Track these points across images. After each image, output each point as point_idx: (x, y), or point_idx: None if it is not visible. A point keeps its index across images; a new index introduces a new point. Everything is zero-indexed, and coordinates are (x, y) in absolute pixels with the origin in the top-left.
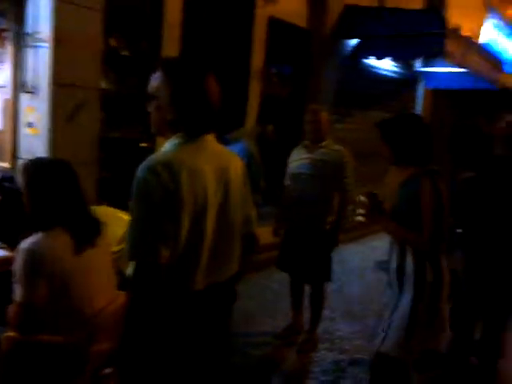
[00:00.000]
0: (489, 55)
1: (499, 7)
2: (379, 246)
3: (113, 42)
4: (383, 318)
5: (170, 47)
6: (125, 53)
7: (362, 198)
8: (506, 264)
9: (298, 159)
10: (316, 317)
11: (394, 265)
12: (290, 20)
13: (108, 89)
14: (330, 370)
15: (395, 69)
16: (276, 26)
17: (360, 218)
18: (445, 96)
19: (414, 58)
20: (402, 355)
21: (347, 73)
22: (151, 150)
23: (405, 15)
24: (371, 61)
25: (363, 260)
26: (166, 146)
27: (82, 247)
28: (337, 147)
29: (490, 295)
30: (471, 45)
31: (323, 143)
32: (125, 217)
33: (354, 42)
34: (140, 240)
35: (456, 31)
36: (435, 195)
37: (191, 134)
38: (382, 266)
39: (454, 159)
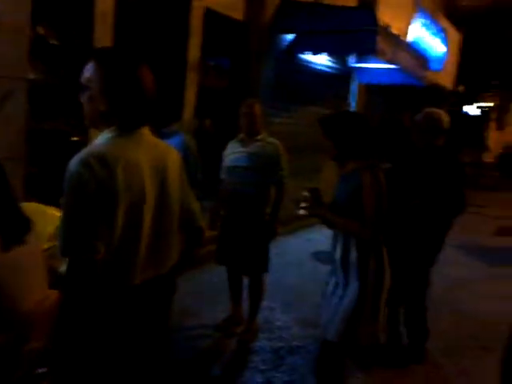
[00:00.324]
0: (416, 53)
1: (427, 6)
2: (314, 238)
3: (41, 30)
4: (323, 306)
5: (102, 36)
6: (54, 41)
7: (305, 193)
8: (417, 255)
9: (233, 152)
10: (255, 307)
11: (338, 255)
12: (227, 12)
13: (36, 79)
14: (270, 359)
15: (330, 64)
16: (212, 17)
17: (302, 212)
18: (377, 91)
19: (348, 53)
20: (348, 343)
21: (284, 67)
22: (83, 143)
23: (339, 12)
24: (307, 56)
25: (300, 252)
26: (99, 138)
27: (10, 244)
28: (271, 140)
29: (403, 283)
30: (400, 42)
31: (258, 136)
32: (55, 213)
33: (290, 36)
34: (73, 236)
35: (387, 29)
36: (376, 188)
37: (126, 127)
38: (318, 256)
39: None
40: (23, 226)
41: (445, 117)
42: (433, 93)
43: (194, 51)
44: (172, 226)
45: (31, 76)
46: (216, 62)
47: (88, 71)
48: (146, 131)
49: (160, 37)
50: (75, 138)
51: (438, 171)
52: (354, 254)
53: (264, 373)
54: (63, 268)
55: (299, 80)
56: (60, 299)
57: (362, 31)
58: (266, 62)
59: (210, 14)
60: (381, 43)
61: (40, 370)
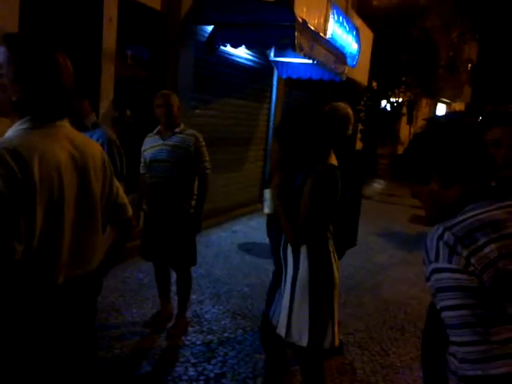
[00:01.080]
0: (334, 49)
1: (340, 5)
2: (240, 230)
3: None
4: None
5: (7, 21)
6: None
7: (267, 193)
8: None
9: (151, 147)
10: (184, 301)
11: (283, 246)
12: (145, 2)
13: None
14: (201, 352)
15: (251, 57)
16: (129, 5)
17: (267, 211)
18: (296, 85)
19: (267, 47)
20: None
21: (204, 59)
22: None
23: (258, 5)
24: (228, 48)
25: (226, 244)
26: (11, 130)
27: None
28: (190, 132)
29: None
30: (319, 38)
31: (177, 129)
32: None
33: (209, 28)
34: None
35: (305, 24)
36: (317, 194)
37: (41, 118)
38: (245, 247)
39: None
40: None
41: (349, 109)
42: (350, 88)
43: (109, 40)
44: (95, 223)
45: None
46: (134, 52)
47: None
48: (64, 123)
49: (72, 23)
50: None
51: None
52: (304, 249)
53: (195, 366)
54: None
55: (220, 72)
56: None
57: (280, 26)
58: (185, 54)
59: (125, 2)
60: (299, 38)
61: None
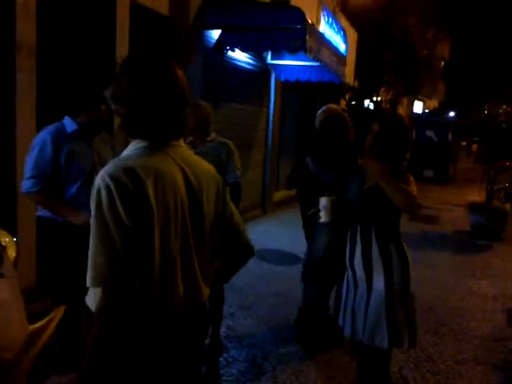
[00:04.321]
0: (336, 50)
1: (328, 5)
2: (252, 238)
3: None
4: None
5: (25, 31)
6: None
7: (324, 201)
8: None
9: None
10: (218, 317)
11: (357, 254)
12: (153, 7)
13: None
14: (247, 369)
15: (250, 61)
16: (139, 12)
17: (326, 219)
18: (289, 88)
19: (277, 51)
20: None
21: (211, 64)
22: None
23: (265, 9)
24: (229, 52)
25: None
26: (128, 150)
27: None
28: (222, 140)
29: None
30: (324, 40)
31: (209, 137)
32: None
33: (217, 32)
34: (111, 261)
35: (314, 26)
36: None
37: (157, 137)
38: (262, 255)
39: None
40: None
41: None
42: (332, 88)
43: (122, 47)
44: (206, 247)
45: None
46: None
47: (116, 80)
48: (179, 143)
49: (86, 32)
50: None
51: None
52: (375, 249)
53: None
54: (92, 300)
55: (223, 76)
56: (93, 335)
57: (290, 29)
58: (193, 58)
59: (136, 8)
60: (309, 41)
61: None
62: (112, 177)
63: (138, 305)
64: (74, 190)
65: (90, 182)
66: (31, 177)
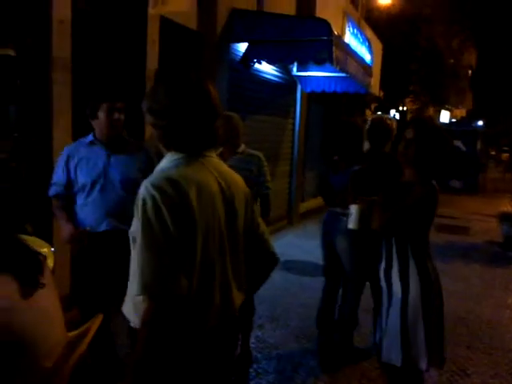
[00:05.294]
0: (362, 60)
1: (353, 16)
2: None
3: None
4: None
5: (60, 46)
6: (10, 52)
7: (355, 209)
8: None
9: None
10: (249, 328)
11: (395, 268)
12: (181, 21)
13: None
14: (277, 381)
15: (276, 73)
16: (168, 26)
17: (351, 226)
18: (314, 99)
19: (304, 63)
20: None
21: (237, 77)
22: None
23: (291, 21)
24: (256, 65)
25: None
26: (165, 162)
27: (29, 289)
28: (252, 152)
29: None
30: (351, 51)
31: (239, 149)
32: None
33: (243, 45)
34: (158, 270)
35: (340, 37)
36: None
37: (193, 149)
38: (286, 266)
39: (338, 153)
40: (36, 266)
41: (392, 123)
42: (357, 99)
43: (152, 61)
44: (240, 257)
45: None
46: None
47: (152, 94)
48: (212, 154)
49: (118, 46)
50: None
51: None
52: (412, 262)
53: None
54: (130, 310)
55: (249, 89)
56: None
57: (316, 40)
58: (221, 72)
59: (165, 23)
60: (336, 52)
61: None
62: (156, 187)
63: (182, 315)
64: (81, 199)
65: (96, 193)
66: (52, 183)
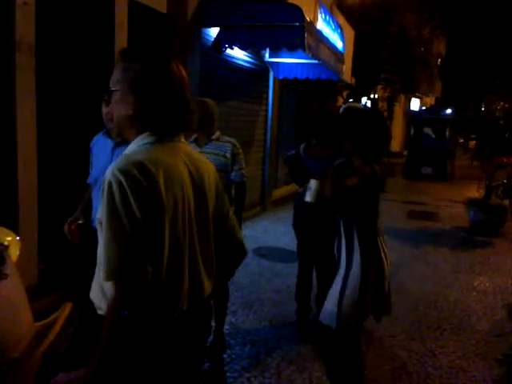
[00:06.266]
0: (334, 47)
1: (325, 3)
2: (250, 234)
3: None
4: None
5: (24, 29)
6: None
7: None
8: None
9: None
10: (223, 314)
11: (343, 242)
12: (151, 4)
13: None
14: (252, 365)
15: (248, 59)
16: (137, 9)
17: (309, 199)
18: (288, 86)
19: (276, 49)
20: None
21: (209, 62)
22: None
23: (264, 6)
24: (228, 50)
25: None
26: (133, 145)
27: None
28: (227, 138)
29: None
30: (323, 37)
31: (213, 136)
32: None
33: (214, 30)
34: (124, 255)
35: (312, 24)
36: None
37: (161, 132)
38: (260, 252)
39: (316, 137)
40: None
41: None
42: (330, 86)
43: (120, 45)
44: (210, 243)
45: None
46: None
47: (115, 72)
48: (181, 138)
49: (85, 29)
50: None
51: None
52: (356, 244)
53: (250, 380)
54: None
55: (221, 75)
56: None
57: (289, 26)
58: (192, 57)
59: (134, 6)
60: (308, 38)
61: None
62: (122, 171)
63: (150, 300)
64: (95, 190)
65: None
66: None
